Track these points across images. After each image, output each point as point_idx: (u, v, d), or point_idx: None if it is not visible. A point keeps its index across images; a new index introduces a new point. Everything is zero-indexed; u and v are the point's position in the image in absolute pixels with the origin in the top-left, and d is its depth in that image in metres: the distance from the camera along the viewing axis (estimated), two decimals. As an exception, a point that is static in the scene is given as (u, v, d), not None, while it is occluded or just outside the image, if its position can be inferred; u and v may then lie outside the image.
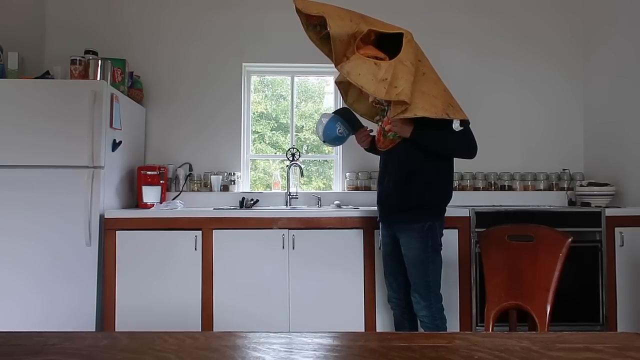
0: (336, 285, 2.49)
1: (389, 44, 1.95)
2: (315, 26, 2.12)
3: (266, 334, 0.66)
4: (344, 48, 1.92)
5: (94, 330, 2.36)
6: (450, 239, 2.46)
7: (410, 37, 1.94)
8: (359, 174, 3.20)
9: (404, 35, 1.92)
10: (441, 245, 2.00)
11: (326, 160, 3.48)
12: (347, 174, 3.24)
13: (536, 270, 1.66)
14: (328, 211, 2.59)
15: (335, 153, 3.38)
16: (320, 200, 3.12)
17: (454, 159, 2.05)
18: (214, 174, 3.13)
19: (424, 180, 1.95)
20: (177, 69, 3.24)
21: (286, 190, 3.11)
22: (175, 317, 2.43)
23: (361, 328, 2.48)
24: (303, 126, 3.50)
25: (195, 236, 2.47)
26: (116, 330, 2.40)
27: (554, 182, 3.21)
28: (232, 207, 2.87)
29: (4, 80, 2.50)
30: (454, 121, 1.88)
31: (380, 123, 2.11)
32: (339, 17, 1.89)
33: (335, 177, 3.37)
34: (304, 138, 3.51)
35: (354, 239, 2.50)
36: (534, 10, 3.34)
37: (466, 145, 1.93)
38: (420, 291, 1.96)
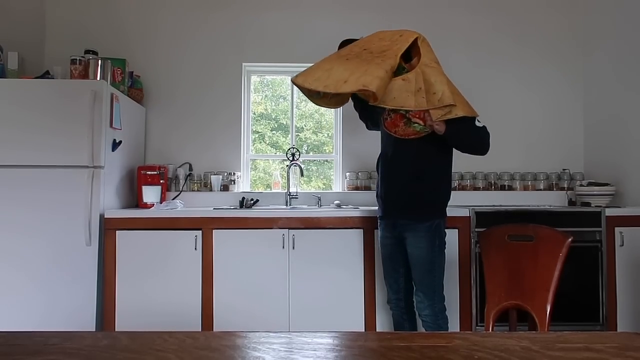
0: (336, 285, 2.49)
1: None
2: (319, 92, 2.00)
3: (266, 334, 0.66)
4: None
5: (94, 330, 2.36)
6: (450, 239, 2.45)
7: (423, 37, 1.93)
8: (359, 173, 3.20)
9: (418, 38, 1.91)
10: (445, 244, 2.01)
11: (326, 160, 3.48)
12: (347, 173, 3.24)
13: (536, 270, 1.66)
14: (328, 211, 2.59)
15: (335, 153, 3.38)
16: (320, 200, 3.12)
17: (452, 158, 2.05)
18: (214, 174, 3.13)
19: (434, 178, 1.96)
20: (177, 69, 3.24)
21: (286, 190, 3.11)
22: (175, 317, 2.43)
23: (361, 328, 2.48)
24: (303, 126, 3.50)
25: (195, 236, 2.47)
26: (116, 330, 2.40)
27: (554, 182, 3.21)
28: (232, 207, 2.87)
29: (4, 80, 2.50)
30: (477, 118, 1.93)
31: (402, 111, 1.95)
32: (383, 74, 1.79)
33: (335, 177, 3.37)
34: (304, 138, 3.51)
35: (354, 238, 2.50)
36: (534, 9, 3.34)
37: (487, 140, 1.98)
38: (424, 290, 1.96)
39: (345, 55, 1.91)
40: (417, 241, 1.96)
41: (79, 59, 2.65)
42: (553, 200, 3.17)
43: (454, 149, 2.02)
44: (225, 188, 3.15)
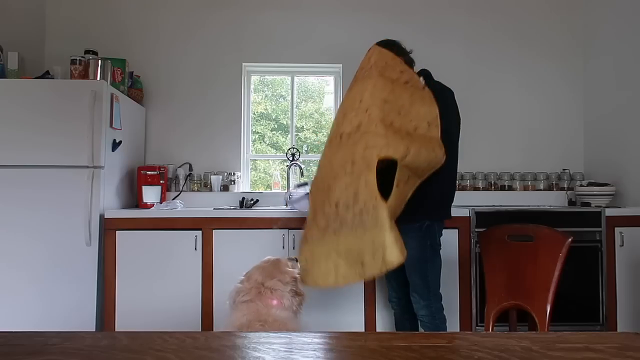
0: (336, 285, 2.49)
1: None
2: None
3: (266, 334, 0.66)
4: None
5: (94, 330, 2.36)
6: (450, 239, 2.46)
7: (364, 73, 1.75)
8: (359, 174, 3.19)
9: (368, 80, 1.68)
10: (440, 245, 1.98)
11: (326, 160, 3.47)
12: (347, 174, 3.23)
13: (536, 270, 1.66)
14: (328, 211, 2.58)
15: (335, 153, 3.37)
16: (320, 200, 3.11)
17: (458, 156, 2.01)
18: (214, 174, 3.13)
19: (426, 180, 1.92)
20: (177, 69, 3.24)
21: (286, 190, 3.11)
22: (175, 317, 2.43)
23: (361, 328, 2.48)
24: (303, 126, 3.50)
25: (195, 236, 2.47)
26: (116, 330, 2.41)
27: (554, 182, 3.21)
28: (232, 207, 2.87)
29: (4, 80, 2.50)
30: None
31: None
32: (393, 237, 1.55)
33: (335, 177, 3.36)
34: (304, 138, 3.51)
35: (354, 239, 2.50)
36: (533, 9, 3.34)
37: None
38: (419, 291, 1.95)
39: (328, 228, 1.62)
40: (408, 242, 1.92)
41: (79, 59, 2.65)
42: (553, 200, 3.17)
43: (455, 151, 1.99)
44: (225, 188, 3.15)
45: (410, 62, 2.05)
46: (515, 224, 1.89)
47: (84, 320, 2.37)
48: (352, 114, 1.67)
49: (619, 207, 2.67)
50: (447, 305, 2.05)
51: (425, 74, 2.09)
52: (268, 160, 3.49)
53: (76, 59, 2.64)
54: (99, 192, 2.43)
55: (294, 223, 2.49)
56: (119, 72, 2.77)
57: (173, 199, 2.99)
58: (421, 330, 2.06)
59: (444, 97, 1.91)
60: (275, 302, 1.45)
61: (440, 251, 1.99)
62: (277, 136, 3.52)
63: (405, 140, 1.60)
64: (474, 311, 2.48)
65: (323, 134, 3.50)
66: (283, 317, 1.39)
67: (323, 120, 3.51)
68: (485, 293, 1.83)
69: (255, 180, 3.44)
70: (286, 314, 1.42)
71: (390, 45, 1.99)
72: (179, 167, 3.17)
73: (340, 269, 1.55)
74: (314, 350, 0.59)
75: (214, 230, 2.48)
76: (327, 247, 1.60)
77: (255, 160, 3.45)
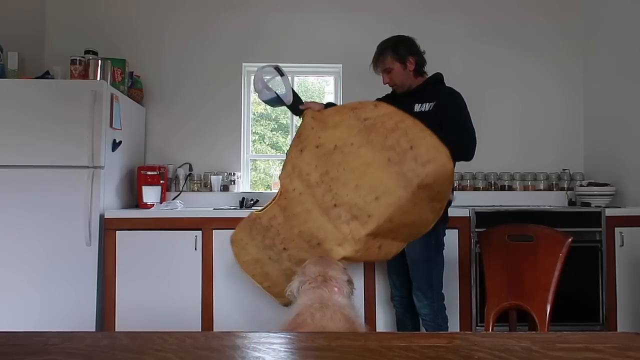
0: (336, 285, 2.49)
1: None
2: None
3: (266, 334, 0.66)
4: None
5: (94, 330, 2.36)
6: (450, 239, 2.45)
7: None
8: (359, 174, 3.19)
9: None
10: (444, 245, 2.00)
11: (326, 160, 3.48)
12: (347, 174, 3.23)
13: (536, 270, 1.66)
14: (328, 211, 2.58)
15: (335, 153, 3.38)
16: (320, 200, 3.11)
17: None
18: (214, 174, 3.13)
19: None
20: (177, 69, 3.24)
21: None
22: (175, 317, 2.43)
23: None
24: (303, 126, 3.50)
25: (195, 236, 2.47)
26: (116, 330, 2.41)
27: (554, 182, 3.21)
28: (232, 207, 2.87)
29: (4, 80, 2.50)
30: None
31: None
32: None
33: (335, 177, 3.36)
34: (304, 138, 3.51)
35: (354, 239, 2.50)
36: (533, 9, 3.34)
37: (467, 147, 1.91)
38: (422, 289, 1.96)
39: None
40: (413, 241, 1.95)
41: (79, 59, 2.65)
42: (553, 200, 3.17)
43: None
44: (225, 188, 3.15)
45: (422, 63, 2.05)
46: (515, 224, 1.89)
47: (84, 320, 2.37)
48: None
49: (619, 207, 2.67)
50: (447, 305, 2.05)
51: (438, 78, 2.08)
52: (268, 160, 3.49)
53: (76, 59, 2.64)
54: (99, 192, 2.43)
55: (294, 223, 2.49)
56: (119, 72, 2.77)
57: (173, 199, 2.99)
58: (423, 329, 2.06)
59: (461, 102, 1.93)
60: (336, 289, 1.52)
61: (443, 251, 2.00)
62: (277, 136, 3.52)
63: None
64: (474, 311, 2.48)
65: (323, 134, 3.50)
66: (343, 304, 1.46)
67: (323, 120, 3.51)
68: (485, 293, 1.83)
69: (255, 180, 3.44)
70: (345, 301, 1.50)
71: (404, 44, 1.99)
72: (179, 167, 3.17)
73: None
74: (314, 350, 0.59)
75: (214, 230, 2.48)
76: None
77: (255, 160, 3.45)
